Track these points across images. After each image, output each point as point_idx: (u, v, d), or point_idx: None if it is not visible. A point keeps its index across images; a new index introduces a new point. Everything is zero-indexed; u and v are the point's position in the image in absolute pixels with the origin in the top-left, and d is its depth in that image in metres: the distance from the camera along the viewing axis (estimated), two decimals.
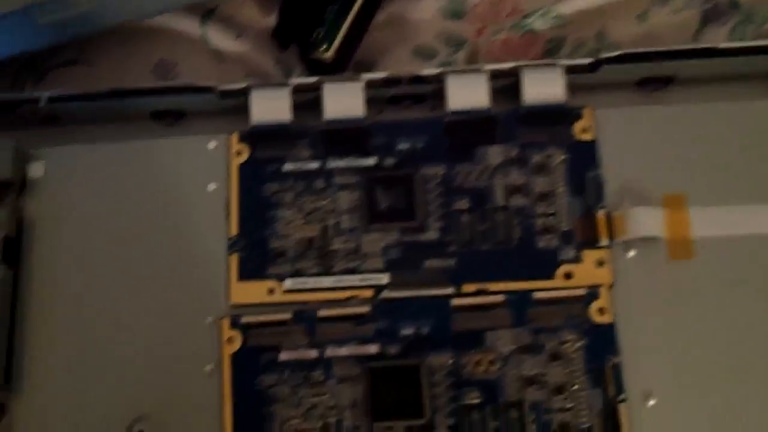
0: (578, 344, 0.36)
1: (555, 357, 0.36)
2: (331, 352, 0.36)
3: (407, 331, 0.37)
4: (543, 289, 0.36)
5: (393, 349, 0.36)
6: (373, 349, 0.36)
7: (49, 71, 0.47)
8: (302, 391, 0.36)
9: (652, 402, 0.35)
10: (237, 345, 0.37)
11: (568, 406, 0.35)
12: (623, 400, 0.35)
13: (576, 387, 0.35)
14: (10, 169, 0.39)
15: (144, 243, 0.39)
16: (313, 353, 0.36)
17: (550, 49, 0.44)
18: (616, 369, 0.35)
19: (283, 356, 0.37)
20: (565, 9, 0.44)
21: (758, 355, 0.35)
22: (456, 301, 0.37)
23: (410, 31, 0.45)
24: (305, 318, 0.37)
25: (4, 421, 0.37)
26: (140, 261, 0.39)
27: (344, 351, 0.36)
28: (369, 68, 0.45)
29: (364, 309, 0.37)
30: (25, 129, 0.42)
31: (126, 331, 0.38)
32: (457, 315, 0.37)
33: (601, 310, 0.36)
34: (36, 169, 0.41)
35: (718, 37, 0.43)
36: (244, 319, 0.37)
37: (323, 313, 0.37)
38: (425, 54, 0.45)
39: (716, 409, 0.35)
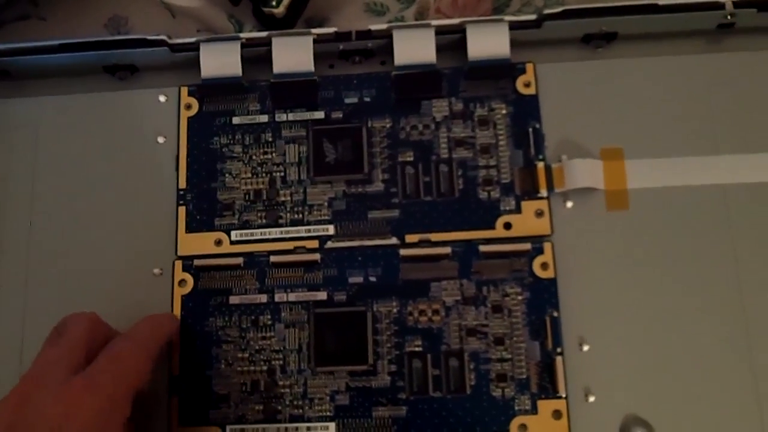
0: (520, 297, 0.37)
1: (497, 309, 0.37)
2: (279, 297, 0.37)
3: (355, 279, 0.37)
4: (483, 239, 0.37)
5: (340, 297, 0.37)
6: (321, 295, 0.37)
7: (1, 26, 0.47)
8: (250, 334, 0.37)
9: (586, 348, 0.36)
10: (189, 288, 0.38)
11: (507, 356, 0.36)
12: (560, 353, 0.36)
13: (515, 339, 0.36)
14: None
15: (93, 195, 0.40)
16: (262, 298, 0.37)
17: (498, 7, 0.44)
18: (555, 322, 0.36)
19: (233, 300, 0.37)
20: None
21: (687, 299, 0.36)
22: (404, 252, 0.37)
23: None
24: (256, 263, 0.38)
25: None
26: (92, 213, 0.40)
27: (292, 296, 0.37)
28: (321, 24, 0.45)
29: (314, 257, 0.38)
30: None
31: (73, 281, 0.39)
32: (405, 265, 0.37)
33: (544, 265, 0.37)
34: None
35: None
36: (197, 263, 0.38)
37: (274, 259, 0.38)
38: (376, 10, 0.45)
39: (647, 353, 0.36)
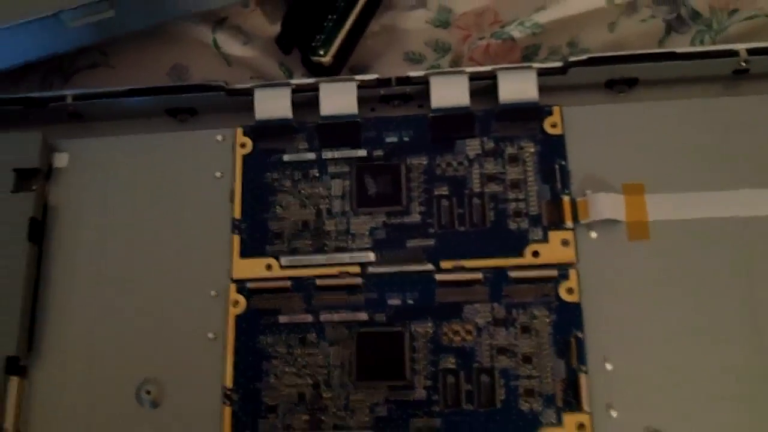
0: (547, 320, 0.40)
1: (525, 330, 0.40)
2: (324, 317, 0.41)
3: (394, 301, 0.40)
4: (513, 266, 0.40)
5: (380, 317, 0.40)
6: (362, 316, 0.40)
7: (74, 74, 0.51)
8: (297, 350, 0.40)
9: (609, 366, 0.38)
10: (242, 308, 0.41)
11: (535, 374, 0.39)
12: (585, 371, 0.38)
13: (542, 357, 0.39)
14: (37, 159, 0.44)
15: (156, 225, 0.43)
16: (308, 318, 0.41)
17: (527, 55, 0.48)
18: (580, 342, 0.39)
19: (282, 319, 0.41)
20: (542, 18, 0.48)
21: (704, 323, 0.39)
22: (439, 277, 0.40)
23: (401, 39, 0.49)
24: (303, 286, 0.41)
25: (25, 382, 0.41)
26: (152, 240, 0.43)
27: (336, 317, 0.40)
28: (364, 72, 0.49)
29: (357, 281, 0.41)
30: (52, 124, 0.46)
31: (137, 303, 0.42)
32: (440, 289, 0.40)
33: (570, 290, 0.40)
34: (60, 160, 0.45)
35: (681, 45, 0.47)
36: (249, 285, 0.41)
37: (320, 282, 0.41)
38: (414, 59, 0.49)
39: (666, 372, 0.38)
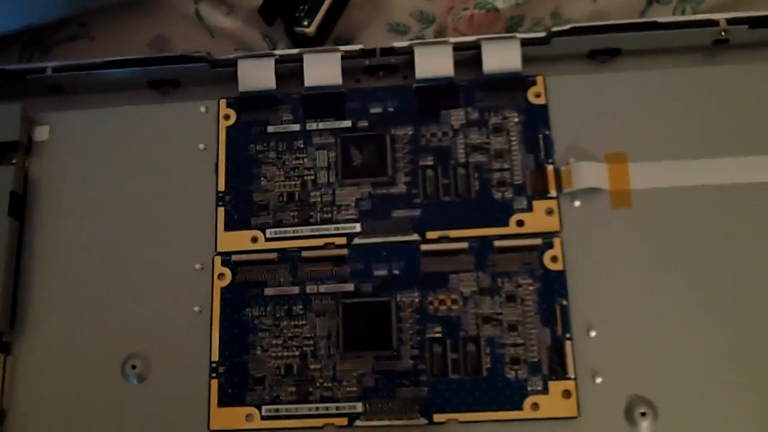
0: (532, 288, 0.40)
1: (510, 298, 0.40)
2: (310, 289, 0.41)
3: (380, 272, 0.41)
4: (498, 235, 0.41)
5: (366, 288, 0.41)
6: (348, 287, 0.41)
7: (53, 46, 0.51)
8: (283, 322, 0.40)
9: (593, 333, 0.39)
10: (227, 281, 0.41)
11: (520, 342, 0.39)
12: (569, 338, 0.39)
13: (528, 325, 0.39)
14: (17, 132, 0.44)
15: (139, 198, 0.43)
16: (294, 290, 0.41)
17: (511, 26, 0.48)
18: (564, 310, 0.39)
19: (268, 292, 0.41)
20: None
21: (686, 288, 0.39)
22: (425, 247, 0.41)
23: (385, 10, 0.49)
24: (289, 258, 0.41)
25: (9, 359, 0.41)
26: (136, 214, 0.43)
27: (323, 288, 0.41)
28: (348, 43, 0.49)
29: (343, 252, 0.41)
30: (32, 97, 0.46)
31: (122, 276, 0.42)
32: (426, 259, 0.41)
33: (554, 259, 0.40)
34: (41, 133, 0.45)
35: (663, 16, 0.47)
36: (235, 258, 0.41)
37: (306, 254, 0.41)
38: (399, 30, 0.49)
39: (650, 338, 0.39)
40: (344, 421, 0.39)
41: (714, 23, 0.42)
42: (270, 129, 0.43)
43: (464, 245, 0.40)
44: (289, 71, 0.44)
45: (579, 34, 0.42)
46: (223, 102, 0.44)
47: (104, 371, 0.41)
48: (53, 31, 0.51)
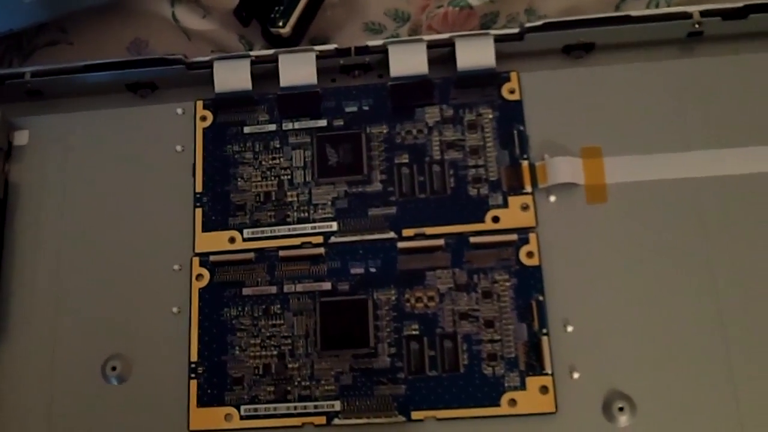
0: (508, 284, 0.40)
1: (487, 295, 0.40)
2: (288, 288, 0.41)
3: (357, 270, 0.41)
4: (474, 232, 0.41)
5: (343, 286, 0.41)
6: (326, 285, 0.41)
7: (33, 51, 0.51)
8: (261, 322, 0.40)
9: (570, 329, 0.39)
10: (205, 281, 0.41)
11: (497, 338, 0.39)
12: (546, 334, 0.39)
13: (504, 321, 0.40)
14: None
15: (118, 200, 0.44)
16: (272, 289, 0.41)
17: (485, 23, 0.48)
18: (541, 306, 0.39)
19: (246, 291, 0.41)
20: None
21: (662, 282, 0.39)
22: (401, 244, 0.41)
23: (360, 9, 0.49)
24: (266, 258, 0.41)
25: None
26: (115, 216, 0.43)
27: (300, 287, 0.41)
28: (323, 43, 0.48)
29: (319, 251, 0.41)
30: (12, 102, 0.46)
31: (101, 278, 0.42)
32: (402, 256, 0.41)
33: (530, 254, 0.40)
34: (21, 137, 0.45)
35: (636, 9, 0.47)
36: (212, 258, 0.41)
37: (283, 253, 0.41)
38: (374, 29, 0.49)
39: (626, 333, 0.39)
40: (323, 419, 0.39)
41: (687, 16, 0.42)
42: (246, 129, 0.44)
43: (440, 242, 0.40)
44: (265, 72, 0.44)
45: (553, 29, 0.42)
46: (199, 103, 0.44)
47: (84, 373, 0.41)
48: (33, 36, 0.51)
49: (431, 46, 0.43)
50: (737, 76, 0.42)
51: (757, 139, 0.41)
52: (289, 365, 0.40)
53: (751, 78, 0.42)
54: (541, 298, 0.39)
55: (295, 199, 0.42)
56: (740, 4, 0.42)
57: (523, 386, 0.38)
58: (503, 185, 0.41)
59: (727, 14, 0.42)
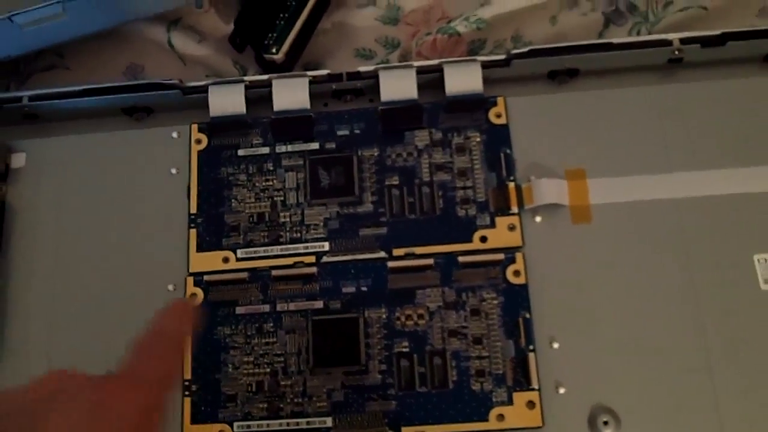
0: (496, 302, 0.41)
1: (475, 312, 0.41)
2: (281, 307, 0.42)
3: (348, 289, 0.42)
4: (462, 251, 0.42)
5: (335, 305, 0.42)
6: (318, 304, 0.42)
7: (30, 76, 0.52)
8: (254, 340, 0.41)
9: (555, 345, 0.40)
10: (199, 300, 0.42)
11: (485, 354, 0.40)
12: (533, 350, 0.40)
13: (492, 338, 0.41)
14: None
15: (114, 222, 0.44)
16: (265, 308, 0.42)
17: (473, 49, 0.50)
18: (527, 323, 0.40)
19: (239, 310, 0.42)
20: (486, 14, 0.49)
21: (645, 300, 0.40)
22: (391, 264, 0.42)
23: (352, 36, 0.51)
24: (260, 277, 0.42)
25: None
26: (110, 237, 0.44)
27: (292, 306, 0.42)
28: (316, 68, 0.50)
29: (312, 270, 0.42)
30: (9, 125, 0.47)
31: (97, 299, 0.43)
32: (392, 275, 0.42)
33: (517, 273, 0.41)
34: (18, 160, 0.46)
35: (619, 36, 0.48)
36: (206, 278, 0.42)
37: (276, 273, 0.42)
38: (365, 55, 0.51)
39: (611, 349, 0.40)
40: None
41: (668, 43, 0.44)
42: (240, 152, 0.45)
43: (430, 261, 0.42)
44: (259, 96, 0.45)
45: (538, 55, 0.44)
46: (194, 127, 0.45)
47: None
48: (30, 61, 0.52)
49: (420, 71, 0.44)
50: (716, 100, 0.44)
51: (736, 160, 0.42)
52: (282, 382, 0.41)
53: (729, 102, 0.43)
54: (527, 315, 0.40)
55: (288, 219, 0.43)
56: (718, 32, 0.43)
57: (510, 401, 0.39)
58: (490, 206, 0.42)
59: (706, 41, 0.44)
